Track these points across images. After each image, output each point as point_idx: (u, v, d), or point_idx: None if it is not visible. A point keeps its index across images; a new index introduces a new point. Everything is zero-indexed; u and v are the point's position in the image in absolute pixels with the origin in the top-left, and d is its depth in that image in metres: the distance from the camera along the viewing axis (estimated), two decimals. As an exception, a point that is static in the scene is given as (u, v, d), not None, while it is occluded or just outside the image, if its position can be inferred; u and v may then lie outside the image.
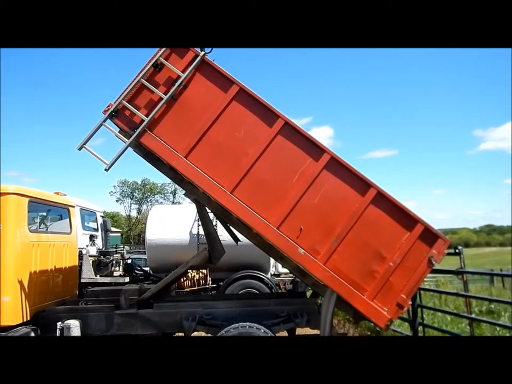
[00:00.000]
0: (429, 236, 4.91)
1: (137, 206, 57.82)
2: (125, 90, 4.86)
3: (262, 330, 5.18)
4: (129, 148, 4.96)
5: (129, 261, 9.95)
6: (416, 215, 4.93)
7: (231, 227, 6.40)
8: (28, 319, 5.35)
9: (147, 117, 4.83)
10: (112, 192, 56.34)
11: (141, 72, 4.87)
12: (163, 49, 4.90)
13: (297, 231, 4.90)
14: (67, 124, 77.17)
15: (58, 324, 5.23)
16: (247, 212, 4.92)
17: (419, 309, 7.33)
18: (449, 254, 7.29)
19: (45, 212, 6.48)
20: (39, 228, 6.26)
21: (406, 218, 4.94)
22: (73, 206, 7.16)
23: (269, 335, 5.17)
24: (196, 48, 4.98)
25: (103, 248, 10.39)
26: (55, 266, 6.26)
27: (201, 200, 5.51)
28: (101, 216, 11.44)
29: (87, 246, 9.44)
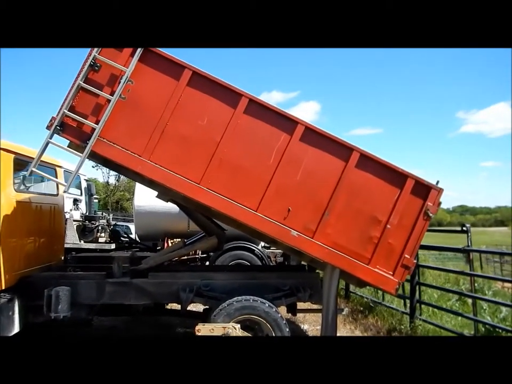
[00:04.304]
0: (421, 188, 4.69)
1: (116, 173, 55.91)
2: (65, 99, 4.32)
3: (267, 305, 4.93)
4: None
5: (116, 228, 9.62)
6: (404, 170, 4.68)
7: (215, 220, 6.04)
8: (12, 284, 4.90)
9: (97, 124, 4.33)
10: (89, 157, 54.38)
11: (78, 75, 4.32)
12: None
13: (286, 213, 4.59)
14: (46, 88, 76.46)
15: (46, 291, 4.83)
16: (227, 203, 4.56)
17: (417, 287, 7.20)
18: (456, 231, 7.16)
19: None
20: (25, 187, 5.71)
21: (395, 176, 4.69)
22: (60, 166, 6.53)
23: (273, 309, 4.94)
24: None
25: (87, 213, 9.93)
26: (40, 229, 5.78)
27: (177, 199, 5.12)
28: (85, 180, 10.84)
29: (70, 210, 8.95)
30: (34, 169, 4.25)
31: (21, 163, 5.30)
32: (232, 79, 4.60)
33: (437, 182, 4.71)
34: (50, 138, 4.36)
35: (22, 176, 5.64)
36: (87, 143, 4.32)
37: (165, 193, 5.05)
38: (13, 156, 5.12)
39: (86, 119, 4.36)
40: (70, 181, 4.35)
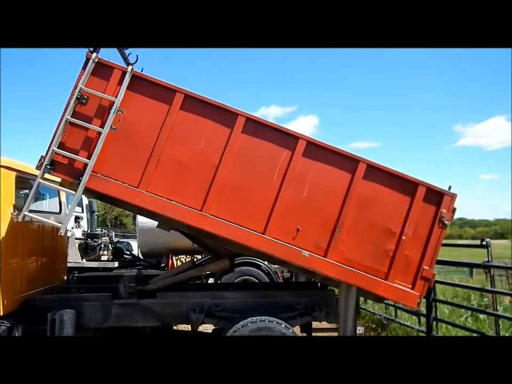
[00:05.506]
0: (434, 195, 4.46)
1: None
2: (53, 136, 4.11)
3: (283, 325, 4.68)
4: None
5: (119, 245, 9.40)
6: (414, 178, 4.47)
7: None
8: (13, 309, 4.65)
9: (89, 159, 4.11)
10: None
11: (65, 110, 4.12)
12: (83, 75, 4.15)
13: (295, 232, 4.36)
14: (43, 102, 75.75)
15: (49, 314, 4.56)
16: (232, 229, 4.34)
17: (433, 303, 6.92)
18: (475, 246, 6.90)
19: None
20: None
21: (405, 184, 4.47)
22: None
23: (290, 330, 4.72)
24: (121, 64, 4.29)
25: (89, 231, 9.72)
26: (43, 249, 5.57)
27: (180, 228, 4.89)
28: (86, 196, 10.62)
29: (72, 228, 8.81)
30: (26, 213, 4.02)
31: (23, 181, 5.09)
32: (230, 96, 4.44)
33: (449, 188, 4.49)
34: (41, 178, 4.15)
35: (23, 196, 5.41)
36: (81, 180, 4.10)
37: (166, 222, 4.82)
38: (14, 174, 4.88)
39: (77, 155, 4.15)
40: (65, 222, 4.12)
